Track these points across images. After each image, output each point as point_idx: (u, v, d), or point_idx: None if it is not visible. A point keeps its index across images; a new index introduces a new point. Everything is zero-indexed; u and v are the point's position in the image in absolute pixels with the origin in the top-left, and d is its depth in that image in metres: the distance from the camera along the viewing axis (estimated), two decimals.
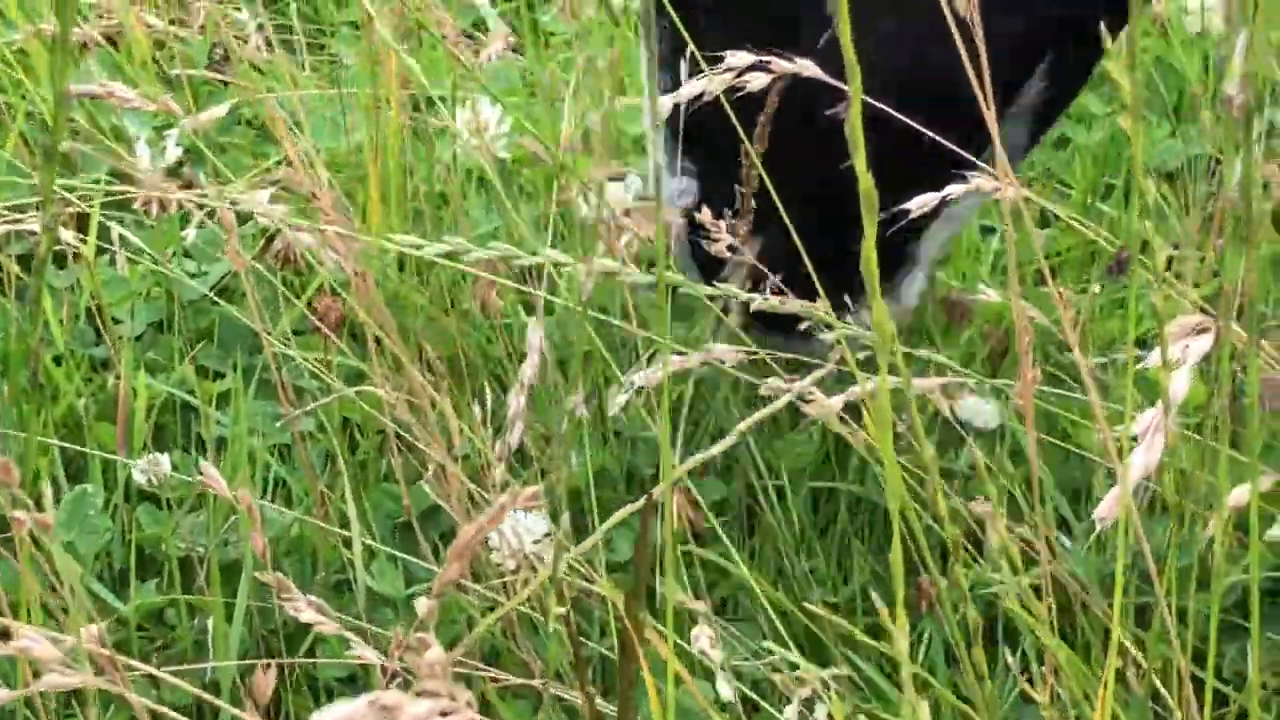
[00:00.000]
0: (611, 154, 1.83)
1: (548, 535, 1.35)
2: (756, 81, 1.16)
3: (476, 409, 1.41)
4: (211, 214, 1.52)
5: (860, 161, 0.78)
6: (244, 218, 1.84)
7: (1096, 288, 1.27)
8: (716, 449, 1.06)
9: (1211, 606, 1.06)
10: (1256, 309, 1.52)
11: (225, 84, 2.03)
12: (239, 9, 1.95)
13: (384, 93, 1.73)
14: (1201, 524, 1.33)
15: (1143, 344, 1.75)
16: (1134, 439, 0.89)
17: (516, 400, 1.30)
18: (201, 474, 1.13)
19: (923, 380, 1.22)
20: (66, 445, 1.55)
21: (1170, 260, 1.87)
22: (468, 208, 1.75)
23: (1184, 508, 1.32)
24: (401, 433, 1.42)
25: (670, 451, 1.35)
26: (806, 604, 1.50)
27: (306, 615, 1.04)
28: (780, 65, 1.15)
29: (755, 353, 1.28)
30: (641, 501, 0.98)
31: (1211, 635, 1.08)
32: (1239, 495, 1.14)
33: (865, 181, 0.76)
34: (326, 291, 1.52)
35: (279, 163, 1.87)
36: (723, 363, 1.26)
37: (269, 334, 1.46)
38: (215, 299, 1.66)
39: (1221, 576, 1.06)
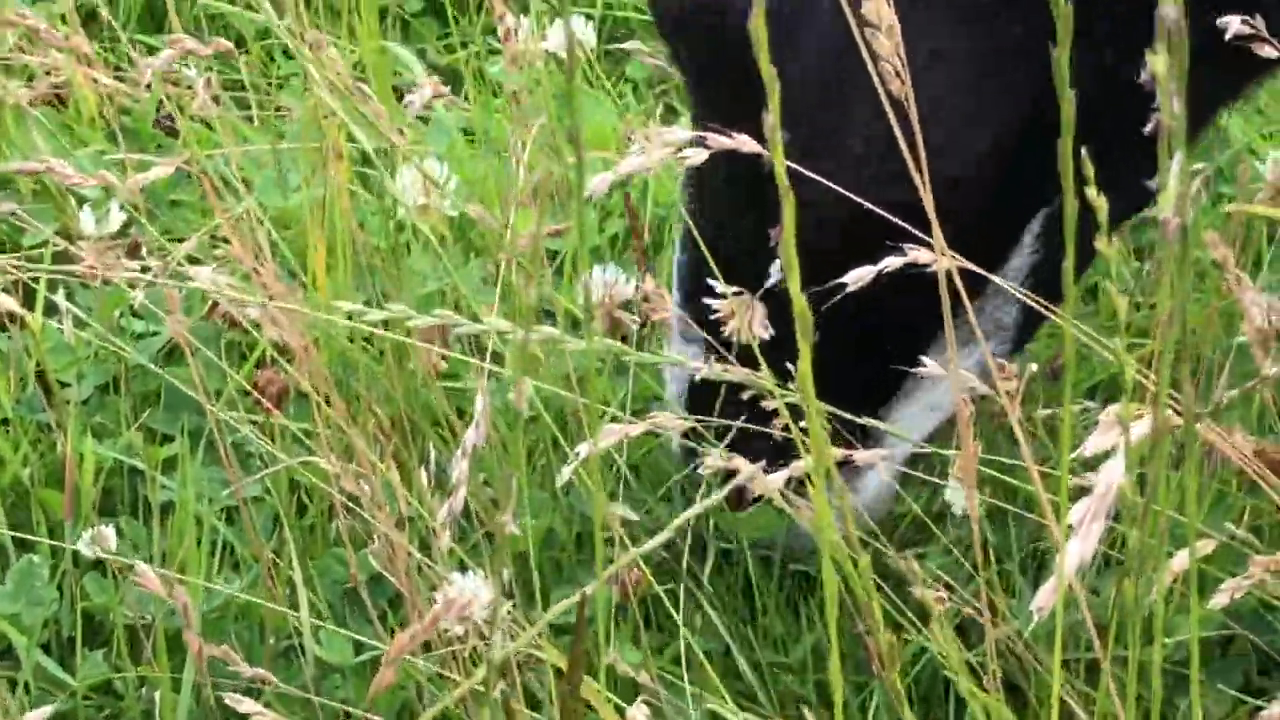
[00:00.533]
0: (557, 211, 1.84)
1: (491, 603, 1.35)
2: (696, 156, 1.16)
3: (423, 473, 1.41)
4: (164, 269, 1.51)
5: (795, 284, 0.78)
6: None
7: (1033, 365, 1.27)
8: (654, 543, 1.06)
9: (1153, 669, 1.06)
10: (1202, 363, 1.52)
11: (175, 135, 2.03)
12: (187, 65, 1.94)
13: (329, 146, 1.72)
14: (1149, 580, 1.33)
15: (1094, 394, 1.75)
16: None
17: (459, 466, 1.29)
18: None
19: (864, 452, 1.22)
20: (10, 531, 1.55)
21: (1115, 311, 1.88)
22: (414, 264, 1.75)
23: (1132, 565, 1.32)
24: (348, 503, 1.41)
25: (607, 510, 1.34)
26: (755, 664, 1.51)
27: (246, 706, 1.04)
28: (717, 140, 1.15)
29: (700, 420, 1.28)
30: (577, 597, 0.98)
31: (1155, 698, 1.08)
32: (1182, 560, 1.14)
33: (799, 303, 0.77)
34: (268, 362, 1.51)
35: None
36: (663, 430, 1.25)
37: (213, 405, 1.45)
38: (160, 367, 1.65)
39: (1162, 638, 1.06)
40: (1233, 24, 1.27)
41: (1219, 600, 1.18)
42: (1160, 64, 0.68)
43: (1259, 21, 1.21)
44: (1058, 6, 0.73)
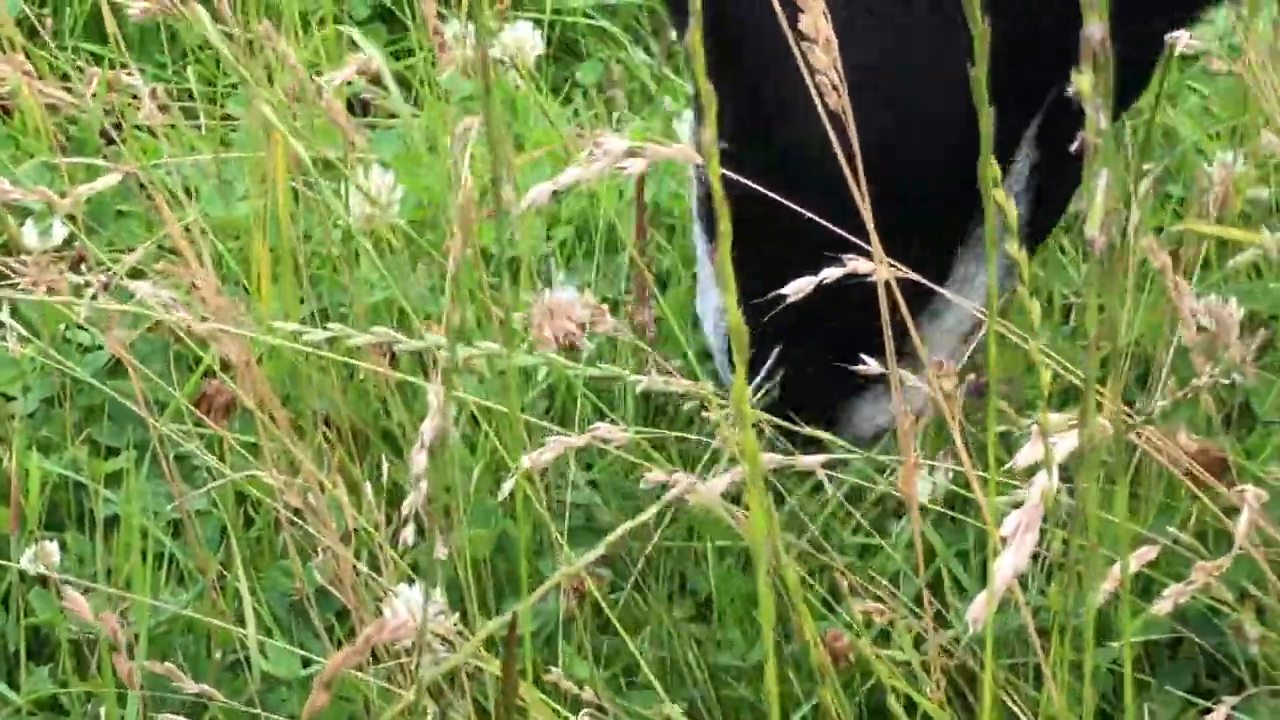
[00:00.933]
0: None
1: (441, 613, 1.35)
2: (634, 166, 1.16)
3: (369, 488, 1.41)
4: (105, 286, 1.51)
5: (731, 298, 0.78)
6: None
7: (972, 375, 1.27)
8: (594, 554, 1.06)
9: (1086, 676, 1.06)
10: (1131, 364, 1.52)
11: (122, 145, 2.02)
12: (130, 74, 1.94)
13: (275, 154, 1.72)
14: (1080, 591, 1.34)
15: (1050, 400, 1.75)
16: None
17: (418, 459, 1.28)
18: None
19: (809, 457, 1.22)
20: None
21: (1069, 309, 1.88)
22: (362, 275, 1.74)
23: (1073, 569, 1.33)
24: (293, 519, 1.41)
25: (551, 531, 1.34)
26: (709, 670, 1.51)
27: None
28: (656, 151, 1.15)
29: (643, 433, 1.29)
30: (507, 616, 0.98)
31: (1087, 707, 1.09)
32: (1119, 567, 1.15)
33: (734, 317, 0.77)
34: (215, 374, 1.51)
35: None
36: (607, 442, 1.25)
37: (157, 419, 1.45)
38: (107, 379, 1.64)
39: (1092, 647, 1.06)
40: (1181, 39, 1.28)
41: (1162, 606, 1.18)
42: (1085, 82, 0.68)
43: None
44: (975, 24, 0.73)
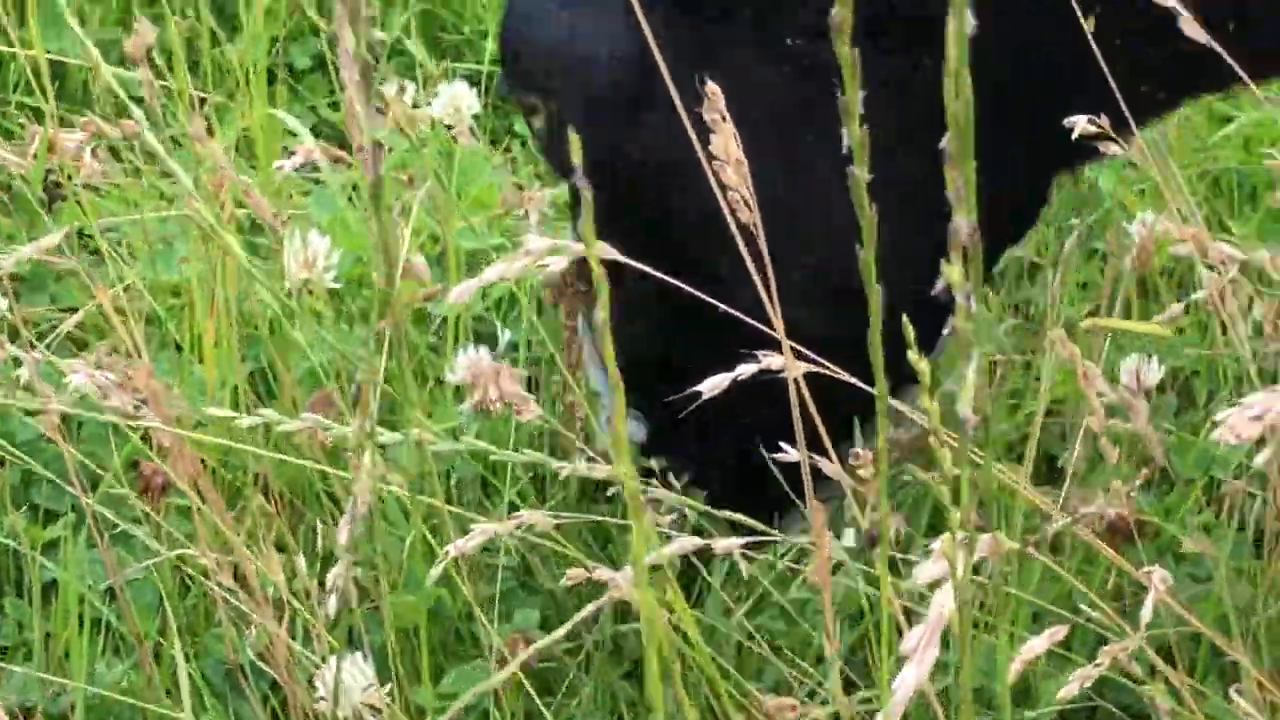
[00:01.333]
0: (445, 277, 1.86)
1: (371, 686, 1.37)
2: (556, 265, 1.19)
3: (302, 561, 1.43)
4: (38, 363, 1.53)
5: (619, 421, 0.81)
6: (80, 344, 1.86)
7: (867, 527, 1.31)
8: (533, 649, 1.09)
9: None
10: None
11: (64, 199, 2.05)
12: (72, 132, 1.95)
13: (217, 213, 1.74)
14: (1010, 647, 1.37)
15: None
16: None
17: (344, 532, 1.31)
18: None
19: (723, 540, 1.25)
20: None
21: (995, 364, 1.92)
22: (298, 339, 1.76)
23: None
24: (226, 597, 1.44)
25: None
26: None
27: None
28: (576, 249, 1.18)
29: (562, 519, 1.32)
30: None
31: None
32: (1035, 645, 1.19)
33: (619, 428, 0.80)
34: (151, 447, 1.54)
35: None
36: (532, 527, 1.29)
37: (89, 498, 1.48)
38: (45, 445, 1.66)
39: None
40: (1079, 123, 1.31)
41: (1068, 690, 1.21)
42: (955, 274, 0.71)
43: None
44: (859, 199, 0.76)
